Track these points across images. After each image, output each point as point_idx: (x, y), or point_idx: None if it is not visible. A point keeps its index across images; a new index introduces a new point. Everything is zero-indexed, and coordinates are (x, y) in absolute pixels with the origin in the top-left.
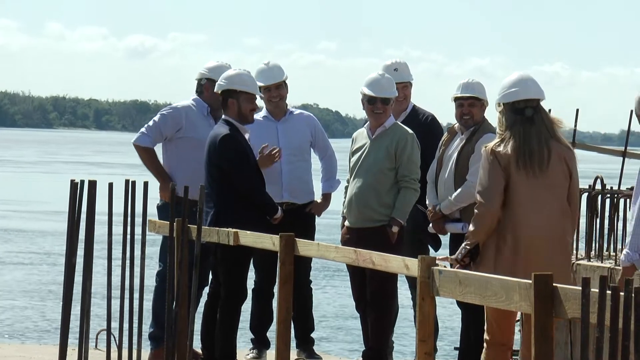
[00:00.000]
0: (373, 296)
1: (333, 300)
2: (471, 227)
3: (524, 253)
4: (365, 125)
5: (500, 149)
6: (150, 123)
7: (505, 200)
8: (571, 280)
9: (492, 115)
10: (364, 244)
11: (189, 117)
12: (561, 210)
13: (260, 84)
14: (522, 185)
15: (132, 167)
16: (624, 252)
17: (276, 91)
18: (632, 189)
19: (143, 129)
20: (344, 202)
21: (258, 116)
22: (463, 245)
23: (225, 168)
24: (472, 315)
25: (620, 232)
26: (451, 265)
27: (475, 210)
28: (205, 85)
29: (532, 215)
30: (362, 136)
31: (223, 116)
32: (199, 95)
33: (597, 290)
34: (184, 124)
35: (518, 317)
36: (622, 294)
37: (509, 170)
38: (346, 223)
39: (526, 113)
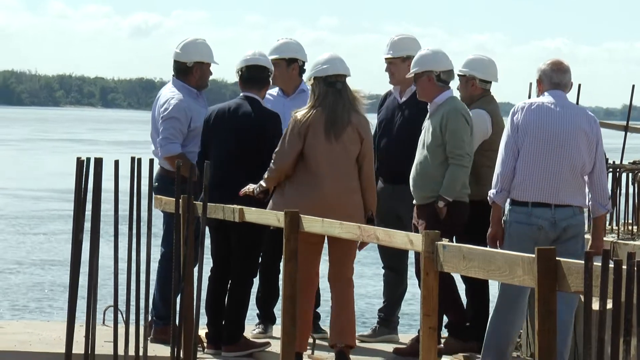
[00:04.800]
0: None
1: None
2: (265, 176)
3: (323, 204)
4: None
5: (305, 117)
6: (169, 130)
7: (307, 160)
8: (364, 220)
9: (503, 91)
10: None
11: (191, 108)
12: (352, 167)
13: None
14: (322, 148)
15: (119, 145)
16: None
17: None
18: (634, 162)
19: (161, 141)
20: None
21: (273, 91)
22: (260, 183)
23: (274, 143)
24: (476, 289)
25: (622, 206)
26: (254, 192)
27: (271, 165)
28: (194, 68)
29: (329, 172)
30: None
31: (247, 94)
32: (184, 79)
33: (600, 264)
34: (192, 115)
35: None
36: (624, 267)
37: (308, 136)
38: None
39: (337, 86)
